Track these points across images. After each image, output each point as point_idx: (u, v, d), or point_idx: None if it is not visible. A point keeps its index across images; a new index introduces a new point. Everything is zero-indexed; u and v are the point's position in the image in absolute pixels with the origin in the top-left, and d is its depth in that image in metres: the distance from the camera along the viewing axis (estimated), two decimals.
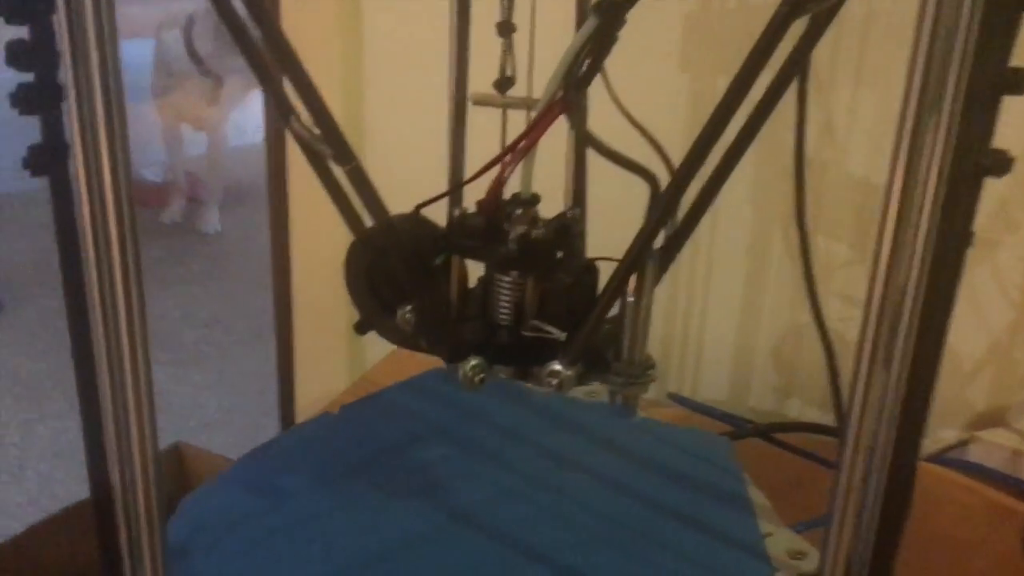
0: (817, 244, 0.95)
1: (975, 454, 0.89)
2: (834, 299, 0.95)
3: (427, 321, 0.53)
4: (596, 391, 0.77)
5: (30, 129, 0.41)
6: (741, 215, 0.98)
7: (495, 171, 0.54)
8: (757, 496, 0.67)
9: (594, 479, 0.67)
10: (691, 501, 0.65)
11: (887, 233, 0.41)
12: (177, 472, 1.23)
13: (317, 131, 0.49)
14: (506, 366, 0.55)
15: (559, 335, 0.54)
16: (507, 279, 0.55)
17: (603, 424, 0.73)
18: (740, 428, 0.86)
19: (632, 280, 0.51)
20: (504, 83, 0.66)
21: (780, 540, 0.63)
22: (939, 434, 0.94)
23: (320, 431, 0.72)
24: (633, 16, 0.51)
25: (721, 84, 0.46)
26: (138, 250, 0.40)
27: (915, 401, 0.48)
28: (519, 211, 0.54)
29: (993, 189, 0.44)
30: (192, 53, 2.75)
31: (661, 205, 0.49)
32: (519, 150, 0.52)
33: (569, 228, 0.55)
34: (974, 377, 0.93)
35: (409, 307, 0.56)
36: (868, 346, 0.44)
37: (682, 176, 0.48)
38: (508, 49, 0.64)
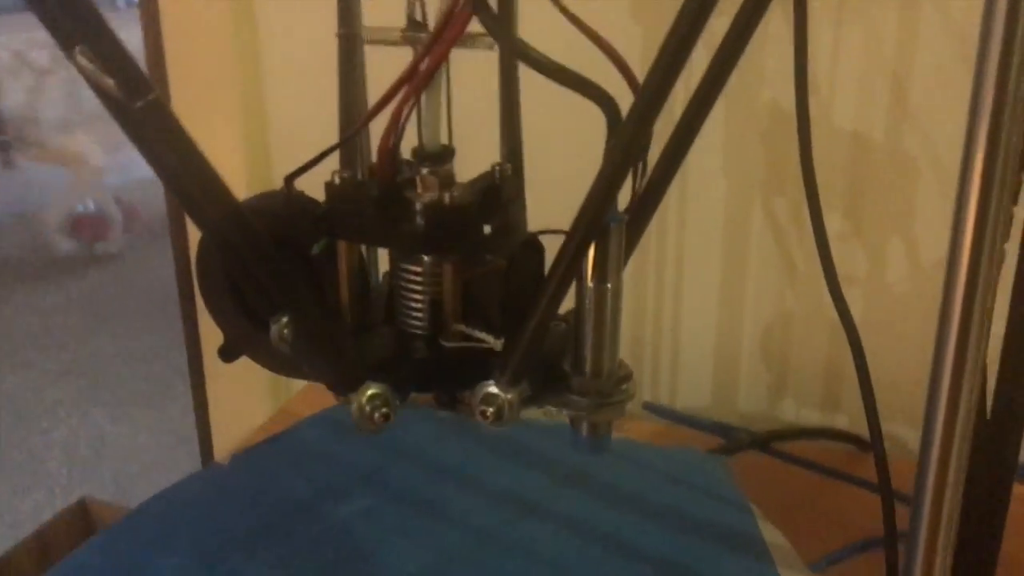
0: (802, 215, 0.79)
1: None
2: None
3: (307, 337, 0.36)
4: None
5: None
6: (713, 187, 0.82)
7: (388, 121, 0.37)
8: (771, 534, 0.51)
9: (565, 530, 0.51)
10: (692, 551, 0.49)
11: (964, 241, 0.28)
12: (84, 530, 1.05)
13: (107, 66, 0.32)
14: (423, 392, 0.38)
15: (493, 343, 0.37)
16: (416, 269, 0.38)
17: (569, 452, 0.56)
18: (733, 439, 0.70)
19: (590, 257, 0.35)
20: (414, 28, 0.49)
21: None
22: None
23: (203, 490, 0.54)
24: None
25: None
26: None
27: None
28: (425, 171, 0.37)
29: None
30: None
31: (624, 140, 0.32)
32: (418, 78, 0.35)
33: (499, 191, 0.38)
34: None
35: (284, 318, 0.39)
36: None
37: (651, 97, 0.32)
38: None
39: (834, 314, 0.82)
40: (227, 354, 0.43)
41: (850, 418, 0.82)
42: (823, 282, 0.81)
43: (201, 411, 1.03)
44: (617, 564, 0.48)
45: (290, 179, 0.40)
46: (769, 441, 0.70)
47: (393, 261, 0.39)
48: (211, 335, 1.00)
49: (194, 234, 0.99)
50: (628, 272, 0.36)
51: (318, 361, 0.35)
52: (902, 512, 0.67)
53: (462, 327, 0.37)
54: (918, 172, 0.75)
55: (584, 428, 0.37)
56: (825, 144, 0.77)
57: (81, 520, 1.04)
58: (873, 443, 0.49)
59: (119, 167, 2.96)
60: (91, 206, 3.11)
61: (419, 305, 0.38)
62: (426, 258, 0.38)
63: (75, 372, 2.14)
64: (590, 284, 0.35)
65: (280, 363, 0.41)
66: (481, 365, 0.37)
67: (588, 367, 0.36)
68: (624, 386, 0.37)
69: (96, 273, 2.73)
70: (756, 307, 0.82)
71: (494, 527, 0.51)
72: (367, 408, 0.35)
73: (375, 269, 0.46)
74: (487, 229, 0.38)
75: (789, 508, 0.65)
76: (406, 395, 0.37)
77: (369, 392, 0.35)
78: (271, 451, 0.58)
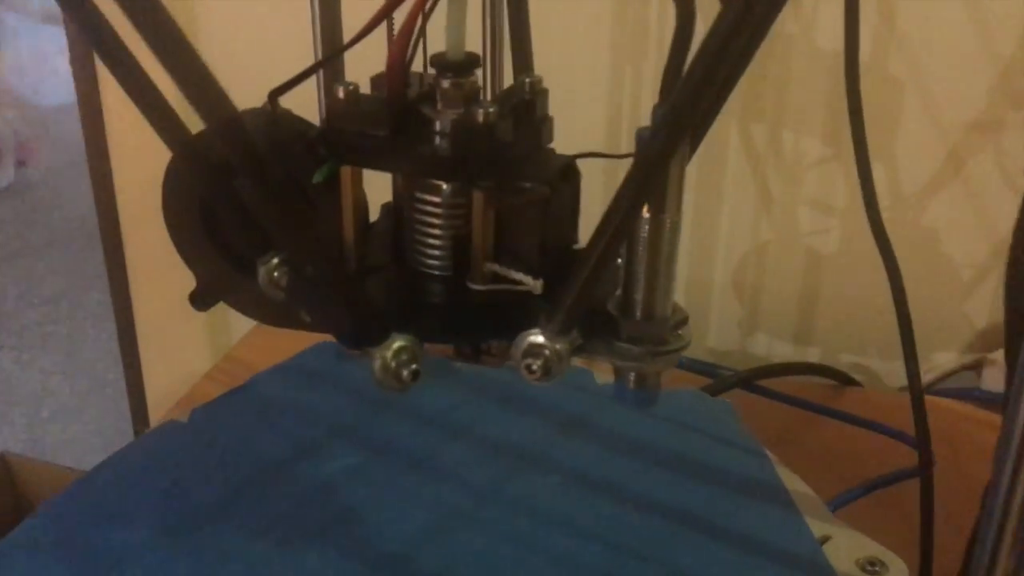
0: (782, 140, 0.75)
1: (991, 380, 0.72)
2: (805, 207, 0.76)
3: (308, 281, 0.30)
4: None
5: None
6: None
7: (398, 25, 0.31)
8: (790, 479, 0.47)
9: (572, 484, 0.46)
10: (710, 502, 0.45)
11: None
12: (5, 487, 0.97)
13: None
14: (445, 343, 0.33)
15: (532, 285, 0.32)
16: (435, 200, 0.32)
17: (565, 400, 0.52)
18: (719, 379, 0.66)
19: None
20: None
21: (842, 544, 0.43)
22: (934, 359, 0.77)
23: (161, 451, 0.48)
24: None
25: None
26: None
27: None
28: (447, 83, 0.31)
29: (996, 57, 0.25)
30: None
31: (707, 62, 0.27)
32: None
33: (532, 107, 0.32)
34: (974, 289, 0.76)
35: (275, 259, 0.33)
36: None
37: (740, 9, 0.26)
38: None
39: (810, 242, 0.79)
40: (201, 301, 0.37)
41: (823, 350, 0.80)
42: (800, 210, 0.78)
43: (130, 356, 0.95)
44: (632, 519, 0.44)
45: (275, 95, 0.34)
46: (754, 379, 0.67)
47: (400, 192, 0.33)
48: (138, 272, 0.92)
49: (119, 165, 0.89)
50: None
51: (329, 310, 0.30)
52: (896, 447, 0.66)
53: (494, 267, 0.32)
54: (903, 96, 0.71)
55: (631, 380, 0.33)
56: (806, 66, 0.73)
57: (2, 476, 0.95)
58: (911, 384, 0.46)
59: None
60: None
61: (440, 243, 0.32)
62: (445, 187, 0.32)
63: None
64: (646, 215, 0.30)
65: (269, 311, 0.35)
66: (516, 311, 0.32)
67: (639, 310, 0.32)
68: (681, 332, 0.32)
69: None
70: (730, 238, 0.78)
71: (494, 482, 0.46)
72: (393, 364, 0.29)
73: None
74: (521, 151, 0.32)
75: (781, 448, 0.62)
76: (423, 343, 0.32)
77: (396, 345, 0.29)
78: (236, 404, 0.51)
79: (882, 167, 0.73)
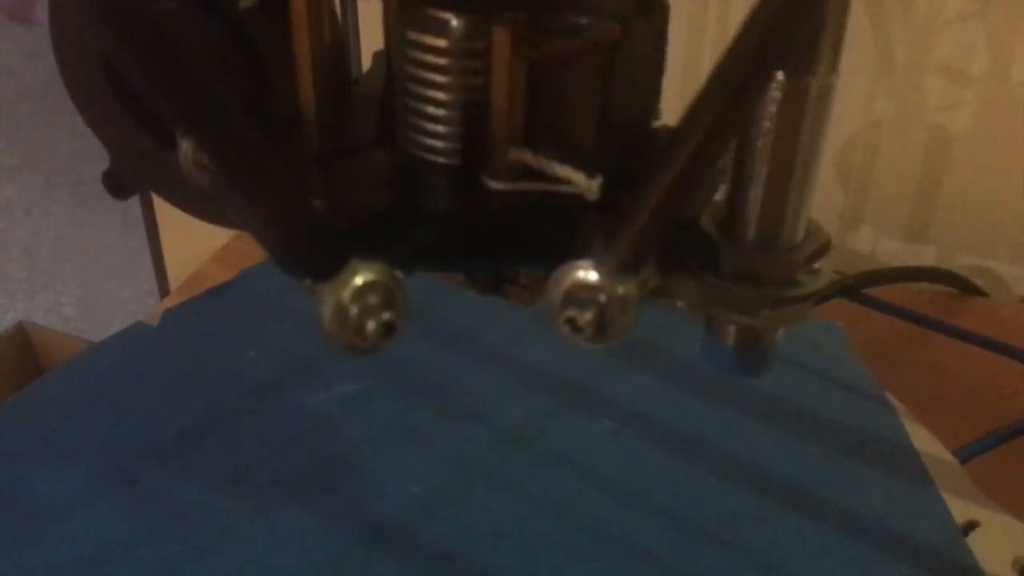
0: None
1: None
2: (934, 76, 0.62)
3: (236, 172, 0.19)
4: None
5: None
6: None
7: None
8: (924, 440, 0.36)
9: (629, 433, 0.35)
10: (815, 469, 0.34)
11: None
12: (23, 357, 0.90)
13: None
14: (446, 271, 0.21)
15: (585, 186, 0.20)
16: (438, 43, 0.20)
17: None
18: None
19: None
20: None
21: (993, 535, 0.32)
22: None
23: (119, 367, 0.38)
24: None
25: None
26: None
27: None
28: None
29: None
30: None
31: None
32: None
33: None
34: None
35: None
36: None
37: None
38: None
39: (936, 119, 0.64)
40: (115, 184, 0.26)
41: (939, 250, 0.66)
42: (927, 79, 0.63)
43: (150, 224, 0.85)
44: (708, 487, 0.33)
45: None
46: (859, 287, 0.54)
47: (392, 28, 0.21)
48: None
49: None
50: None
51: (258, 218, 0.18)
52: (999, 361, 0.53)
53: (525, 154, 0.20)
54: None
55: (731, 335, 0.21)
56: None
57: (20, 346, 0.89)
58: None
59: None
60: None
61: (444, 114, 0.20)
62: (453, 21, 0.20)
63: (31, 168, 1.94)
64: (776, 76, 0.18)
65: (197, 203, 0.24)
66: (557, 225, 0.20)
67: (754, 231, 0.20)
68: (817, 266, 0.20)
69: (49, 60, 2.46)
70: (837, 111, 0.64)
71: (528, 426, 0.35)
72: (353, 311, 0.18)
73: (355, 42, 0.28)
74: None
75: (891, 374, 0.51)
76: (410, 272, 0.20)
77: (359, 281, 0.18)
78: (218, 306, 0.41)
79: None
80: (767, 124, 0.19)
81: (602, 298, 0.18)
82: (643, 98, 0.21)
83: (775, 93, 0.18)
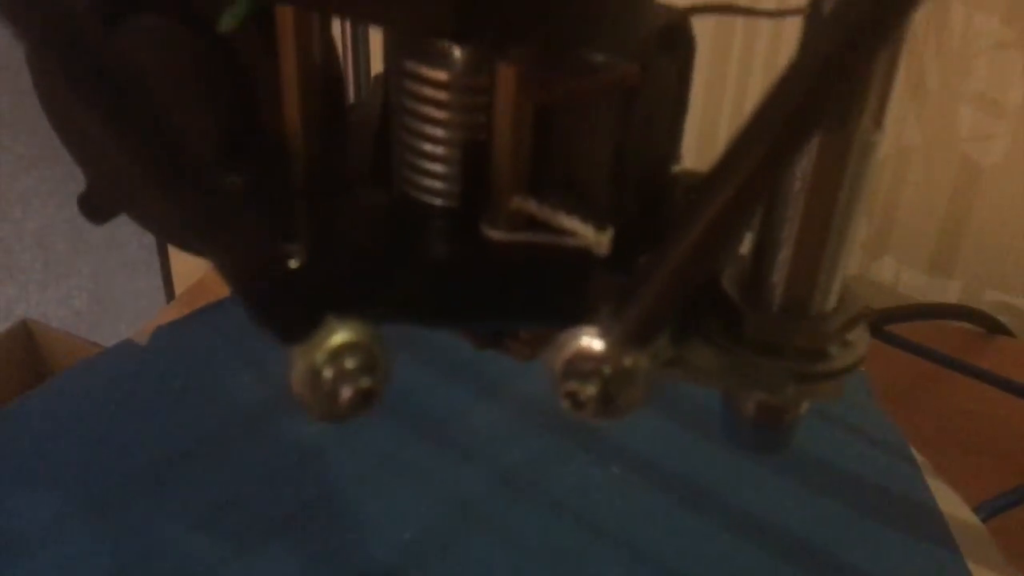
0: (949, 16, 0.58)
1: None
2: (967, 105, 0.59)
3: (197, 209, 0.17)
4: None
5: None
6: None
7: None
8: (948, 499, 0.33)
9: (636, 479, 0.33)
10: (833, 526, 0.32)
11: None
12: (27, 356, 0.89)
13: None
14: (438, 327, 0.19)
15: (594, 239, 0.18)
16: (438, 76, 0.18)
17: None
18: None
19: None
20: None
21: None
22: None
23: (99, 389, 0.36)
24: None
25: None
26: None
27: None
28: None
29: None
30: None
31: None
32: None
33: None
34: None
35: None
36: None
37: None
38: None
39: (967, 149, 0.62)
40: (91, 208, 0.24)
41: (964, 284, 0.64)
42: (960, 108, 0.61)
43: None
44: (719, 541, 0.31)
45: None
46: (882, 324, 0.52)
47: (389, 55, 0.19)
48: None
49: None
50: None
51: (224, 261, 0.16)
52: None
53: (529, 203, 0.18)
54: None
55: (751, 410, 0.19)
56: None
57: (25, 343, 0.88)
58: None
59: None
60: None
61: (442, 150, 0.18)
62: (457, 53, 0.18)
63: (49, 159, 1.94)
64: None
65: (175, 232, 0.22)
66: (561, 282, 0.18)
67: (781, 296, 0.17)
68: (852, 337, 0.18)
69: None
70: None
71: (527, 468, 0.33)
72: (325, 375, 0.16)
73: (363, 65, 0.26)
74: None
75: (910, 416, 0.48)
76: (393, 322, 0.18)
77: (332, 343, 0.16)
78: (211, 324, 0.39)
79: None
80: (802, 180, 0.16)
81: (607, 370, 0.16)
82: (663, 142, 0.19)
83: (811, 147, 0.16)
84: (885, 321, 0.52)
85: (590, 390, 0.16)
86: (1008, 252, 0.61)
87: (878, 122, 0.16)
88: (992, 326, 0.57)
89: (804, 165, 0.16)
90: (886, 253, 0.65)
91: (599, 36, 0.17)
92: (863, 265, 0.65)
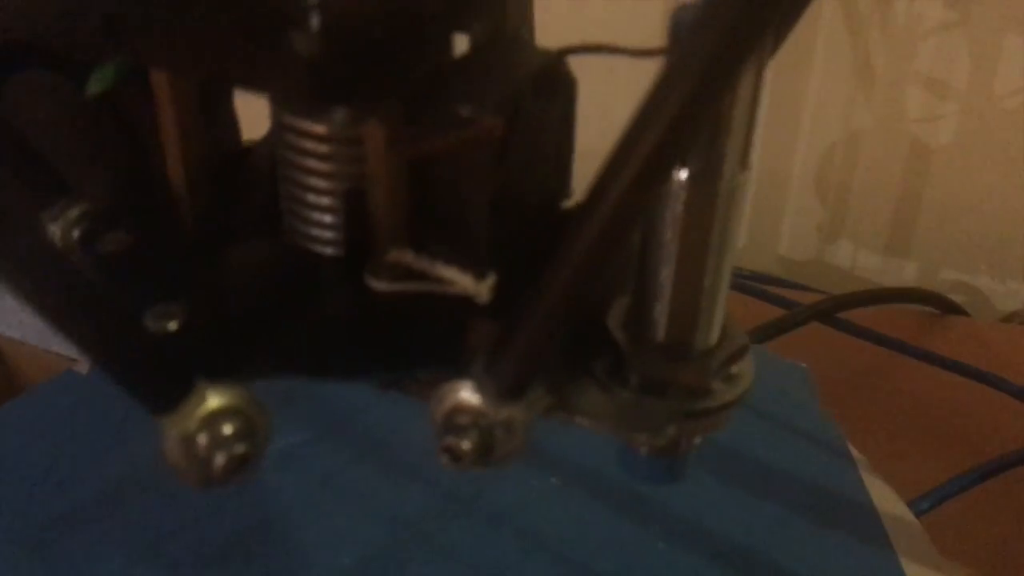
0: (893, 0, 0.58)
1: None
2: (914, 87, 0.59)
3: (48, 285, 0.17)
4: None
5: None
6: None
7: None
8: (885, 497, 0.34)
9: (575, 490, 0.33)
10: (767, 528, 0.32)
11: None
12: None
13: None
14: (323, 378, 0.19)
15: (474, 288, 0.18)
16: (315, 130, 0.18)
17: None
18: (792, 310, 0.52)
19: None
20: None
21: None
22: (1011, 285, 0.61)
23: (38, 421, 0.36)
24: None
25: None
26: None
27: None
28: None
29: None
30: None
31: None
32: None
33: None
34: None
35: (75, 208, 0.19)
36: None
37: None
38: None
39: (916, 131, 0.62)
40: None
41: (920, 266, 0.64)
42: (908, 91, 0.61)
43: None
44: (655, 547, 0.31)
45: None
46: (835, 311, 0.52)
47: (273, 112, 0.19)
48: None
49: None
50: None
51: (84, 327, 0.16)
52: (978, 389, 0.51)
53: (405, 255, 0.18)
54: None
55: (644, 442, 0.19)
56: None
57: None
58: None
59: None
60: None
61: (325, 201, 0.18)
62: (335, 107, 0.18)
63: None
64: (681, 174, 0.16)
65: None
66: (445, 332, 0.18)
67: (662, 333, 0.18)
68: (736, 370, 0.18)
69: None
70: (816, 123, 0.62)
71: (471, 485, 0.34)
72: (199, 442, 0.16)
73: None
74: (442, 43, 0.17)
75: (862, 403, 0.49)
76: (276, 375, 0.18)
77: (205, 410, 0.16)
78: None
79: (1019, 41, 0.55)
80: (673, 227, 0.17)
81: (483, 423, 0.16)
82: (547, 182, 0.19)
83: (680, 191, 0.16)
84: (837, 308, 0.52)
85: (466, 445, 0.16)
86: (962, 231, 0.62)
87: (744, 164, 0.16)
88: (946, 307, 0.57)
89: (675, 210, 0.16)
90: (841, 237, 0.65)
91: (467, 90, 0.17)
92: (819, 250, 0.65)
